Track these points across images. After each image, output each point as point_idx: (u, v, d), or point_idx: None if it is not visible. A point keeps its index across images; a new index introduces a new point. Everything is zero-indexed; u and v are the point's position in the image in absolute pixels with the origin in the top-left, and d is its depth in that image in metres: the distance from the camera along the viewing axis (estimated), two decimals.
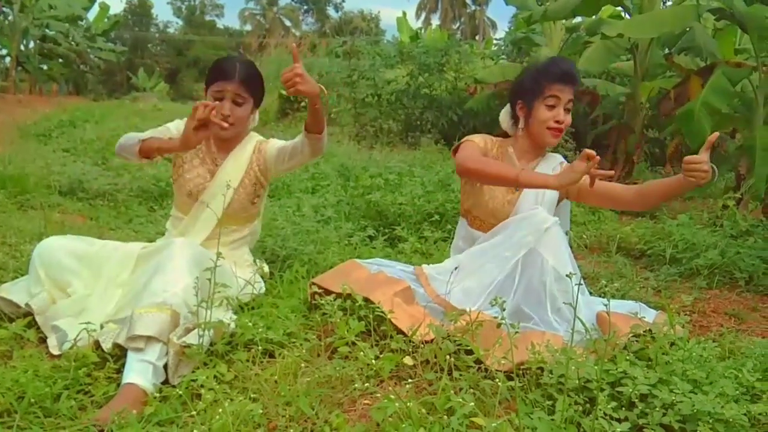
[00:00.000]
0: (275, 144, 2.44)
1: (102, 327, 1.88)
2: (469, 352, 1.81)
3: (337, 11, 49.56)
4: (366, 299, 2.06)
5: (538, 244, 2.08)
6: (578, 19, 6.97)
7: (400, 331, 1.96)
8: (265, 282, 2.48)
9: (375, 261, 2.43)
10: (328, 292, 2.15)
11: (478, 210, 2.44)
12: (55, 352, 1.89)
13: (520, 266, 2.11)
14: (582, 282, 2.15)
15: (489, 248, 2.25)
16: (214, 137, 2.43)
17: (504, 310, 1.80)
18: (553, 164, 2.43)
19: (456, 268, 2.25)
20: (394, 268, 2.37)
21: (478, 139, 2.44)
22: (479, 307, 2.07)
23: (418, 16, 45.07)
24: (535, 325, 2.04)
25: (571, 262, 2.09)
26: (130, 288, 2.04)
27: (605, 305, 1.55)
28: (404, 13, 15.35)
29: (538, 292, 2.07)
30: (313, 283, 2.28)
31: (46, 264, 2.08)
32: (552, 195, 2.37)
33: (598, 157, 1.97)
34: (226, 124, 2.18)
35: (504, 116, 2.49)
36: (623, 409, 1.55)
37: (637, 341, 1.89)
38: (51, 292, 2.07)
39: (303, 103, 11.47)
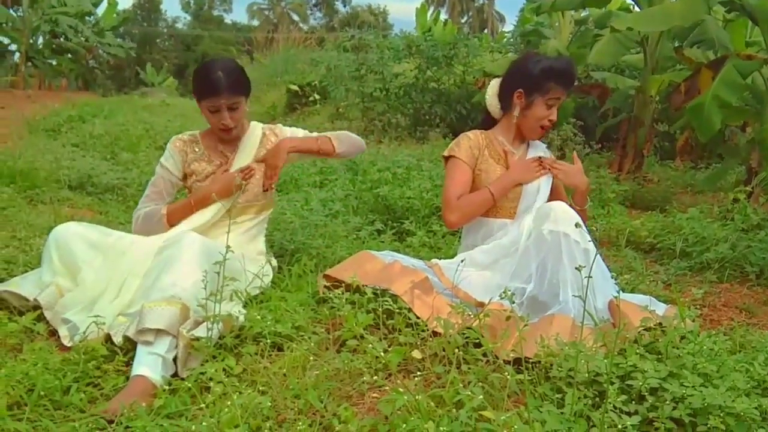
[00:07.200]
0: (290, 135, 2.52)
1: (113, 320, 1.89)
2: (478, 345, 1.81)
3: (345, 6, 49.42)
4: (382, 290, 2.05)
5: (548, 223, 2.06)
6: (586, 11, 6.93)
7: (409, 324, 1.96)
8: (273, 274, 2.48)
9: (387, 253, 2.42)
10: (337, 286, 2.14)
11: None
12: (67, 343, 1.90)
13: (534, 254, 2.10)
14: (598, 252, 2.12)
15: (504, 244, 2.27)
16: (218, 138, 2.47)
17: (513, 303, 1.80)
18: (539, 152, 2.47)
19: (462, 261, 2.24)
20: (408, 260, 2.36)
21: (465, 155, 2.41)
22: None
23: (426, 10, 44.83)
24: (551, 310, 2.01)
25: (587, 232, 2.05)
26: (142, 282, 2.04)
27: (615, 296, 1.54)
28: (423, 5, 15.40)
29: (554, 273, 2.03)
30: (326, 275, 2.28)
31: (61, 247, 2.10)
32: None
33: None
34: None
35: (493, 101, 2.49)
36: (633, 402, 1.54)
37: (647, 334, 1.88)
38: (59, 283, 2.08)
39: (311, 98, 11.46)
